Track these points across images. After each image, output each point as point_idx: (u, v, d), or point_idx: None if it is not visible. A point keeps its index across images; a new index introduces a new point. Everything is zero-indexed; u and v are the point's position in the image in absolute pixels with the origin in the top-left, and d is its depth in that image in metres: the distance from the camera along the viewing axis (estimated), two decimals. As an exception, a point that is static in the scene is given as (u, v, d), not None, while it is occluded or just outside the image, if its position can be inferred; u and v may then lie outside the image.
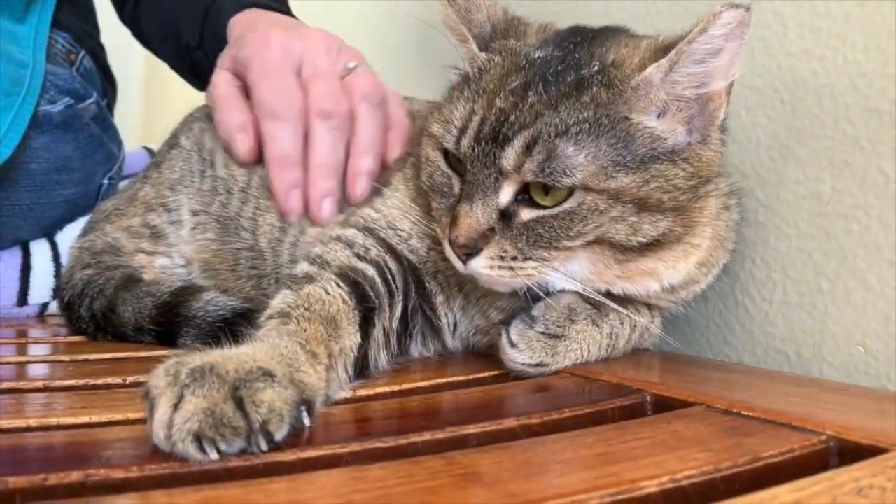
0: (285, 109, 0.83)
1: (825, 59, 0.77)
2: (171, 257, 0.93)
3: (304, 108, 0.83)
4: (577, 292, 0.68)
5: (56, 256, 1.04)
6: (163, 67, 1.27)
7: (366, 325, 0.66)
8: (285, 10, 1.08)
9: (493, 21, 0.71)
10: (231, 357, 0.49)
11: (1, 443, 0.47)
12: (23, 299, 1.03)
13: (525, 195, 0.64)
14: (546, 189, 0.63)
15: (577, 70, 0.64)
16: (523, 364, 0.66)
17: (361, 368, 0.64)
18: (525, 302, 0.68)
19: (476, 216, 0.64)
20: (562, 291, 0.68)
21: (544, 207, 0.63)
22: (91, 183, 1.10)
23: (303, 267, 0.70)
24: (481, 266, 0.65)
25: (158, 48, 1.23)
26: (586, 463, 0.44)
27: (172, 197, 0.95)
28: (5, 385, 0.63)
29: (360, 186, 0.83)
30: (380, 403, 0.59)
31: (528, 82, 0.64)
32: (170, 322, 0.79)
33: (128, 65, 2.10)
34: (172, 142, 1.01)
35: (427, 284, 0.74)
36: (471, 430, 0.50)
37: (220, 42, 0.97)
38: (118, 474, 0.41)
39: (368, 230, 0.75)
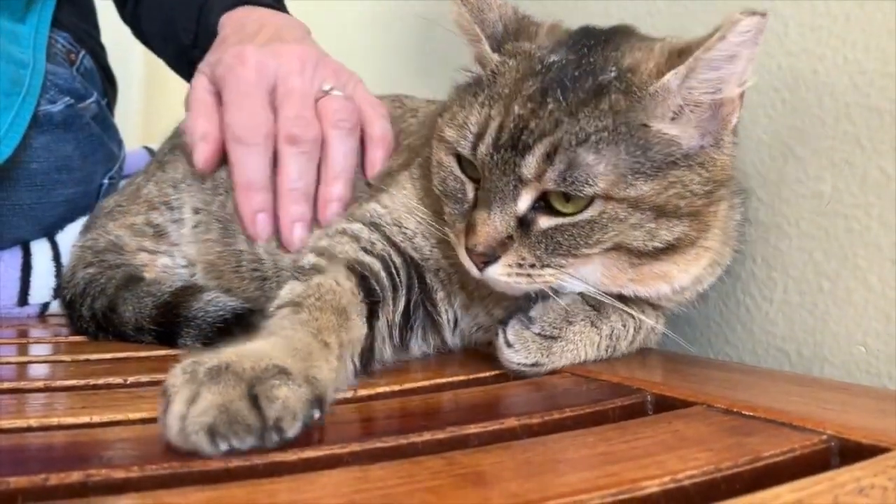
0: (251, 135, 0.85)
1: (825, 58, 0.77)
2: (173, 257, 0.93)
3: (272, 131, 0.85)
4: (579, 293, 0.68)
5: (57, 256, 1.04)
6: (163, 67, 1.27)
7: (371, 318, 0.67)
8: (278, 6, 1.08)
9: (504, 21, 0.70)
10: (246, 354, 0.50)
11: (2, 443, 0.47)
12: (23, 299, 1.02)
13: (542, 202, 0.64)
14: (566, 197, 0.62)
15: (594, 75, 0.63)
16: (518, 364, 0.66)
17: (367, 360, 0.65)
18: (531, 301, 0.68)
19: (494, 224, 0.63)
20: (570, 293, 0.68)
21: (563, 215, 0.63)
22: (91, 182, 1.10)
23: (310, 258, 0.71)
24: (498, 273, 0.65)
25: (158, 48, 1.24)
26: (587, 462, 0.44)
27: (175, 195, 0.95)
28: (6, 385, 0.63)
29: (329, 212, 0.85)
30: (380, 403, 0.59)
31: (546, 88, 0.63)
32: (170, 322, 0.79)
33: (128, 64, 2.10)
34: (175, 140, 1.01)
35: (428, 281, 0.74)
36: (471, 429, 0.50)
37: (214, 40, 0.98)
38: (119, 474, 0.41)
39: (374, 225, 0.76)
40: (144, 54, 2.17)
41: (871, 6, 0.73)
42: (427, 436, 0.49)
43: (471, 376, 0.67)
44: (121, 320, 0.82)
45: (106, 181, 1.14)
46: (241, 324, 0.76)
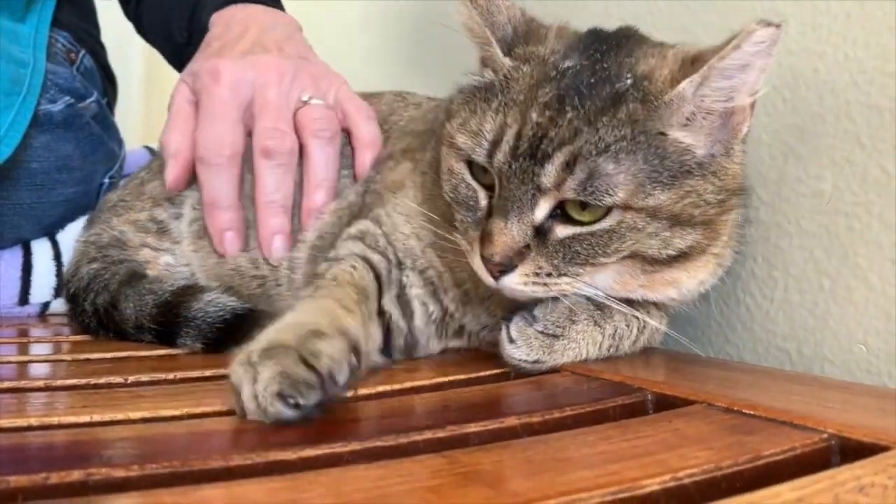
0: (214, 156, 0.86)
1: (826, 57, 0.77)
2: (175, 255, 0.93)
3: (239, 151, 0.87)
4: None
5: (57, 255, 1.04)
6: (163, 66, 1.27)
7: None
8: (270, 1, 1.08)
9: (513, 23, 0.69)
10: (284, 329, 0.57)
11: (2, 442, 0.47)
12: (24, 298, 1.03)
13: (559, 211, 0.63)
14: (584, 205, 0.62)
15: (610, 83, 0.63)
16: (520, 360, 0.66)
17: (387, 342, 0.73)
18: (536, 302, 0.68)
19: (512, 234, 0.63)
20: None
21: (581, 224, 0.63)
22: (92, 182, 1.10)
23: (323, 266, 0.76)
24: (514, 283, 0.64)
25: (159, 45, 1.24)
26: (588, 461, 0.44)
27: (178, 192, 0.95)
28: (7, 384, 0.63)
29: (312, 222, 0.87)
30: (380, 402, 0.59)
31: (563, 95, 0.62)
32: (170, 322, 0.79)
33: (128, 64, 2.11)
34: None
35: (404, 279, 0.76)
36: (472, 428, 0.50)
37: None
38: (119, 473, 0.41)
39: (378, 222, 0.79)
40: (145, 53, 2.18)
41: (872, 4, 0.73)
42: (427, 434, 0.49)
43: (471, 375, 0.67)
44: (122, 317, 0.82)
45: (106, 180, 1.14)
46: (241, 324, 0.76)
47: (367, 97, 1.02)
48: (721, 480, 0.42)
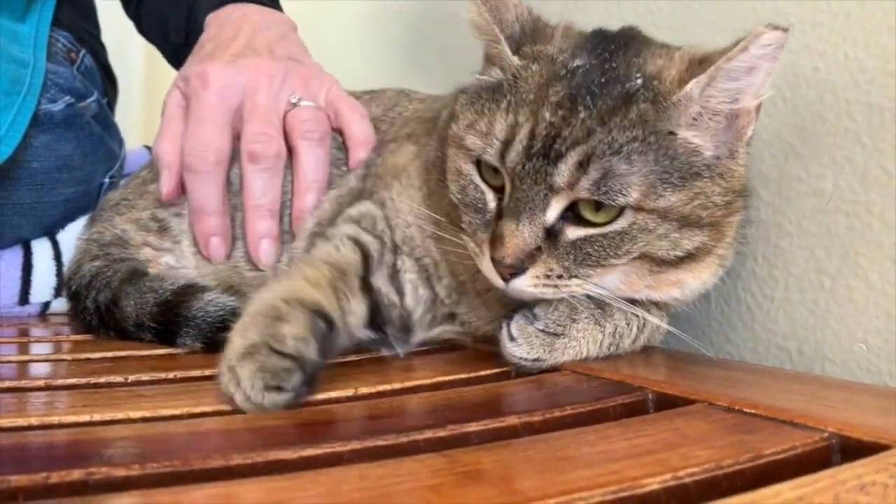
0: (199, 163, 0.87)
1: (826, 56, 0.77)
2: (176, 255, 0.93)
3: (225, 157, 0.87)
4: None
5: (57, 255, 1.04)
6: (164, 66, 1.27)
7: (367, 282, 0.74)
8: (268, 0, 1.08)
9: (521, 21, 0.69)
10: (248, 325, 0.60)
11: (3, 441, 0.47)
12: (24, 298, 1.02)
13: (570, 212, 0.63)
14: (597, 207, 0.62)
15: (620, 82, 0.63)
16: (520, 358, 0.66)
17: (373, 318, 0.73)
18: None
19: (523, 236, 0.63)
20: None
21: (593, 225, 0.63)
22: (92, 182, 1.10)
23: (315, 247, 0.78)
24: (525, 285, 0.64)
25: (159, 45, 1.24)
26: (588, 460, 0.44)
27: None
28: (7, 384, 0.63)
29: (303, 224, 0.88)
30: (381, 401, 0.59)
31: (575, 94, 0.62)
32: (170, 321, 0.79)
33: (129, 63, 2.11)
34: None
35: (400, 262, 0.77)
36: (472, 427, 0.50)
37: None
38: (120, 473, 0.41)
39: (381, 205, 0.80)
40: (145, 53, 2.18)
41: (872, 4, 0.73)
42: (428, 434, 0.49)
43: (471, 374, 0.67)
44: (122, 315, 0.82)
45: (107, 180, 1.14)
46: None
47: (369, 94, 1.02)
48: (722, 479, 0.42)
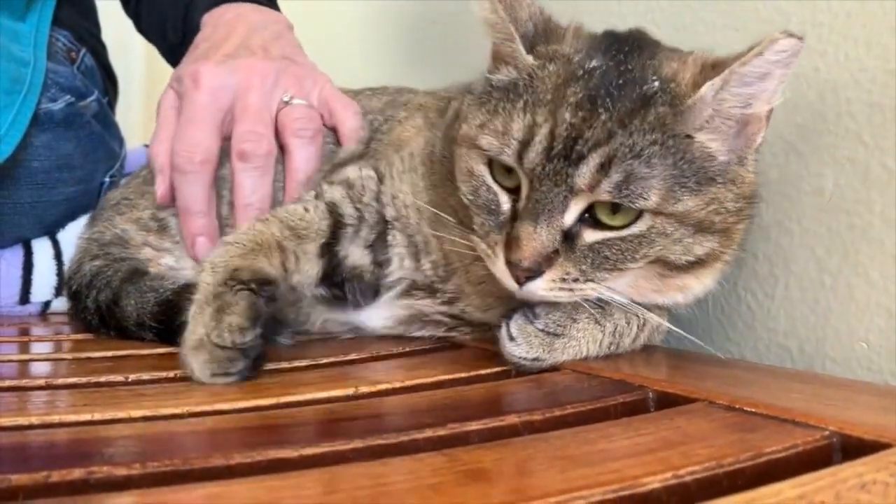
0: (186, 163, 0.87)
1: (827, 55, 0.77)
2: (176, 256, 0.93)
3: (212, 157, 0.88)
4: None
5: (58, 254, 1.04)
6: (164, 65, 1.27)
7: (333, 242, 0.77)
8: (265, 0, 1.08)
9: (534, 20, 0.68)
10: (197, 315, 0.65)
11: (3, 440, 0.47)
12: (25, 297, 1.02)
13: (587, 215, 0.63)
14: (615, 210, 0.62)
15: (638, 84, 0.62)
16: (519, 357, 0.66)
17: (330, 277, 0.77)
18: None
19: (541, 239, 0.62)
20: None
21: (611, 229, 0.63)
22: (92, 181, 1.10)
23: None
24: (540, 288, 0.64)
25: (157, 44, 1.24)
26: (589, 459, 0.44)
27: None
28: (8, 383, 0.63)
29: None
30: (381, 400, 0.59)
31: (594, 96, 0.62)
32: (170, 320, 0.79)
33: (129, 63, 2.11)
34: None
35: (391, 237, 0.78)
36: (473, 426, 0.50)
37: None
38: (120, 472, 0.41)
39: (379, 178, 0.81)
40: (145, 52, 2.18)
41: (872, 3, 0.73)
42: (428, 433, 0.49)
43: (472, 373, 0.67)
44: (123, 314, 0.82)
45: (107, 179, 1.14)
46: None
47: (370, 91, 1.02)
48: (723, 478, 0.42)
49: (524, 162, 0.63)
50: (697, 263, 0.66)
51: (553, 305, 0.67)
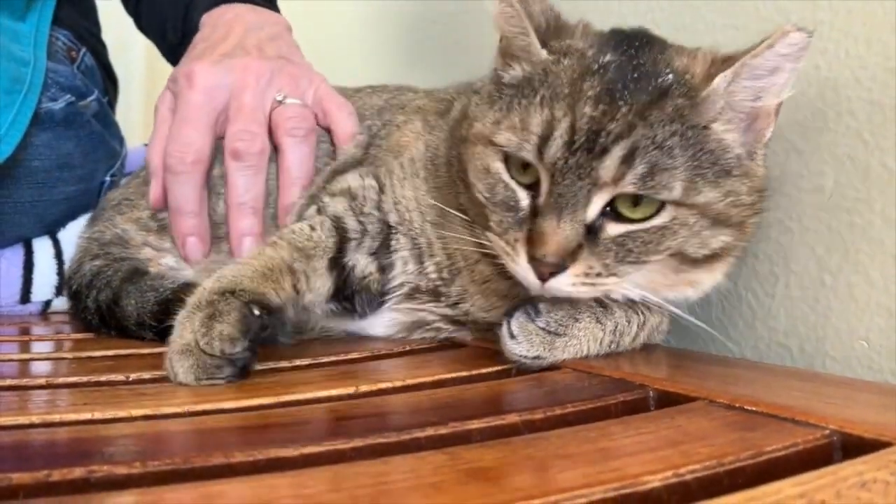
0: (177, 163, 0.88)
1: (827, 53, 0.77)
2: (175, 256, 0.93)
3: (204, 157, 0.88)
4: None
5: (59, 254, 1.04)
6: (164, 65, 1.27)
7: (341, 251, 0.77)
8: (264, 1, 1.08)
9: (546, 16, 0.69)
10: (185, 321, 0.64)
11: (4, 439, 0.47)
12: (25, 297, 1.03)
13: (608, 208, 0.63)
14: (636, 202, 0.62)
15: (653, 77, 0.63)
16: (520, 355, 0.66)
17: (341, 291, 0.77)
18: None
19: (565, 233, 0.62)
20: None
21: (632, 221, 0.63)
22: (93, 180, 1.10)
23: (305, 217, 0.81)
24: (564, 284, 0.63)
25: (157, 44, 1.24)
26: (589, 458, 0.44)
27: None
28: (8, 382, 0.63)
29: (289, 219, 0.89)
30: (383, 399, 0.59)
31: (612, 89, 0.62)
32: (171, 319, 0.79)
33: (129, 62, 2.10)
34: None
35: (394, 241, 0.78)
36: (474, 425, 0.50)
37: None
38: (121, 471, 0.41)
39: (379, 185, 0.81)
40: (146, 52, 2.17)
41: (873, 2, 0.73)
42: (429, 431, 0.49)
43: (473, 372, 0.67)
44: (123, 314, 0.82)
45: (107, 179, 1.14)
46: None
47: (370, 88, 1.02)
48: (723, 476, 0.42)
49: (544, 157, 0.62)
50: (712, 257, 0.66)
51: (555, 303, 0.67)
